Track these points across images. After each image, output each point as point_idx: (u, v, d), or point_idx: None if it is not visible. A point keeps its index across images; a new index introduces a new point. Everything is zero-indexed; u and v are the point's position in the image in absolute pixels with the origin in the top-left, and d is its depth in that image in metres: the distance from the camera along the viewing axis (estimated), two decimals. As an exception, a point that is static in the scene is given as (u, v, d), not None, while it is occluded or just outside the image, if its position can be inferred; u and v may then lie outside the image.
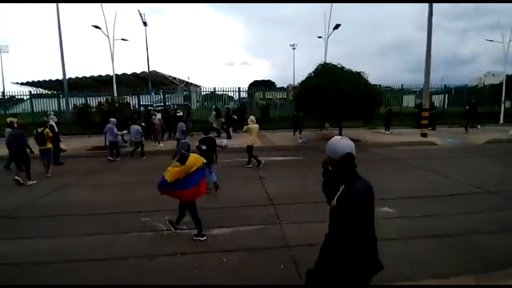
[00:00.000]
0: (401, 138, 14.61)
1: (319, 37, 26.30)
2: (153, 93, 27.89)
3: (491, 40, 23.14)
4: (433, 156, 10.85)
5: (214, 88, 24.24)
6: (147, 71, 35.23)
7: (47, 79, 41.47)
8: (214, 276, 3.59)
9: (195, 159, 4.46)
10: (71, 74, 39.55)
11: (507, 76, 22.49)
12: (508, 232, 4.58)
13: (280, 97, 31.90)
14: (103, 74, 36.62)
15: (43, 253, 4.24)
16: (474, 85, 33.52)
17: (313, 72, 13.67)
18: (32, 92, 28.62)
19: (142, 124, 13.34)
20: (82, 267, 3.86)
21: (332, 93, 11.89)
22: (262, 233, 4.73)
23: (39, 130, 8.76)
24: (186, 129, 13.31)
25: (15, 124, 9.59)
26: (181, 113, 14.55)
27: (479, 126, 17.64)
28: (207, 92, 26.43)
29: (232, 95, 26.26)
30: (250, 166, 9.23)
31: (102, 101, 14.13)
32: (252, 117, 9.53)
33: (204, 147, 6.80)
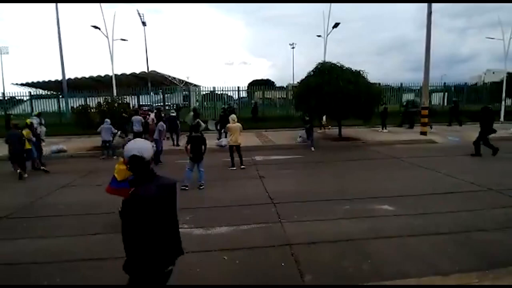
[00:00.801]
0: (401, 136, 14.61)
1: (318, 36, 26.28)
2: (152, 93, 27.85)
3: (492, 38, 23.09)
4: (433, 154, 10.85)
5: (214, 88, 24.24)
6: (146, 71, 35.24)
7: (46, 79, 41.46)
8: (214, 275, 3.59)
9: None
10: (70, 74, 39.47)
11: (508, 73, 22.45)
12: (509, 229, 4.57)
13: (280, 96, 31.87)
14: (102, 75, 36.59)
15: (44, 253, 4.24)
16: (474, 83, 33.45)
17: (312, 71, 13.65)
18: (32, 93, 28.59)
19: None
20: (83, 267, 3.86)
21: (331, 92, 11.89)
22: (263, 232, 4.73)
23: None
24: (176, 129, 13.32)
25: (35, 125, 9.93)
26: (174, 114, 14.41)
27: (462, 125, 18.05)
28: (206, 92, 26.41)
29: (231, 94, 26.25)
30: (235, 168, 9.04)
31: (101, 101, 14.13)
32: (233, 116, 9.34)
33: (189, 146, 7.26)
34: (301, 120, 12.30)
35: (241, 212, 5.54)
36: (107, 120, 11.39)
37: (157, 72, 38.88)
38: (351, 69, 13.33)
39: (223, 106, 19.65)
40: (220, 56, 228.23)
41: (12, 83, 45.38)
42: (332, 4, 24.06)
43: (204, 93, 27.41)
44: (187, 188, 6.93)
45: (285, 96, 27.52)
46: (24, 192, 7.28)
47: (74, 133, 15.82)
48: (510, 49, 21.81)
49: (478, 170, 8.25)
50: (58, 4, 17.12)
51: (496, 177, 7.32)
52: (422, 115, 14.82)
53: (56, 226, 5.18)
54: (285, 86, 31.15)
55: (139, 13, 33.25)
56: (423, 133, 14.54)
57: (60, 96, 24.12)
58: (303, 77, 14.03)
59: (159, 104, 23.80)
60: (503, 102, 21.86)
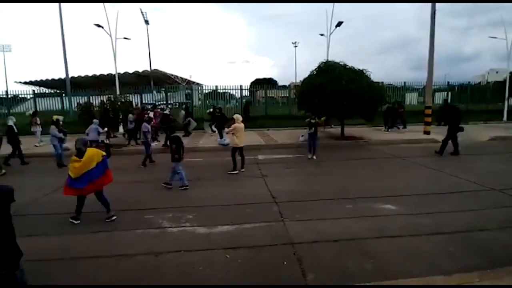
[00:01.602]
0: (404, 136, 14.58)
1: (321, 35, 26.18)
2: (155, 92, 27.90)
3: (495, 37, 22.95)
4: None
5: (216, 87, 24.24)
6: (149, 69, 35.28)
7: (50, 78, 41.59)
8: (217, 273, 3.61)
9: (92, 153, 4.93)
10: (73, 73, 39.52)
11: (511, 73, 22.31)
12: (511, 229, 4.57)
13: (282, 95, 31.86)
14: (105, 73, 36.67)
15: (48, 251, 4.28)
16: (478, 82, 33.29)
17: (315, 70, 13.65)
18: (35, 91, 28.70)
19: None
20: (87, 264, 3.90)
21: (334, 91, 11.87)
22: (265, 231, 4.74)
23: None
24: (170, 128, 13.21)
25: (61, 122, 10.11)
26: (167, 112, 14.26)
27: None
28: (209, 91, 26.42)
29: (234, 93, 26.25)
30: (237, 172, 8.42)
31: (104, 99, 14.17)
32: (238, 116, 8.72)
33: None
34: (307, 125, 10.13)
35: (243, 211, 5.56)
36: (95, 120, 11.34)
37: (160, 71, 38.90)
38: (354, 68, 13.30)
39: (211, 107, 18.46)
40: (223, 55, 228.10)
41: (15, 81, 45.52)
42: (335, 3, 23.94)
43: (206, 91, 27.39)
44: (187, 187, 6.97)
45: (287, 95, 27.49)
46: (29, 190, 7.32)
47: (77, 131, 15.86)
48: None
49: (481, 170, 8.23)
50: (61, 3, 17.10)
51: (498, 177, 7.30)
52: (426, 114, 14.77)
53: (61, 224, 5.22)
54: (287, 85, 31.11)
55: (142, 12, 33.32)
56: (426, 132, 14.49)
57: (63, 95, 24.20)
58: (306, 76, 14.02)
59: (162, 102, 23.77)
60: (506, 102, 21.72)
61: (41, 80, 42.51)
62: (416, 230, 4.58)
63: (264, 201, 6.03)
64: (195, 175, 8.32)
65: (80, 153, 4.91)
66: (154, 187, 7.13)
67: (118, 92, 19.78)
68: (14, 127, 10.34)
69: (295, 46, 59.75)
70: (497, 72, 52.57)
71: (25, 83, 42.42)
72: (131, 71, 38.26)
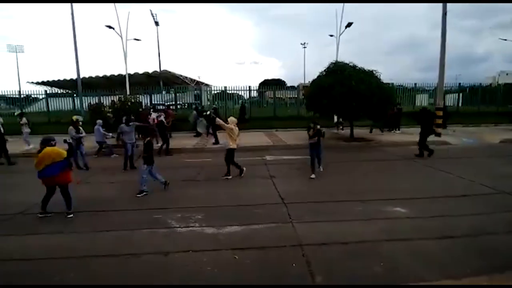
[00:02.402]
0: (414, 137, 14.33)
1: (331, 36, 26.04)
2: (164, 92, 28.11)
3: (505, 39, 22.55)
4: (447, 155, 10.65)
5: (225, 87, 24.30)
6: (158, 70, 35.57)
7: (61, 78, 42.25)
8: (226, 274, 3.61)
9: (49, 151, 5.36)
10: (84, 73, 40.16)
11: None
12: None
13: (291, 96, 31.78)
14: (116, 74, 37.10)
15: (57, 249, 4.34)
16: (489, 84, 32.69)
17: (324, 70, 13.56)
18: (47, 91, 29.18)
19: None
20: (95, 263, 3.94)
21: (344, 92, 11.78)
22: (274, 232, 4.73)
23: None
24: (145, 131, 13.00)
25: (80, 123, 9.92)
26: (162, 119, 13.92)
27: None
28: (218, 91, 26.51)
29: (242, 94, 26.28)
30: (230, 177, 7.94)
31: (115, 99, 14.34)
32: (233, 119, 8.20)
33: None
34: (309, 133, 8.44)
35: (252, 212, 5.56)
36: (99, 121, 11.49)
37: (169, 72, 39.22)
38: (363, 68, 13.18)
39: (211, 108, 16.97)
40: (232, 56, 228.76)
41: (28, 82, 46.37)
42: (343, 4, 23.77)
43: (215, 92, 27.48)
44: (143, 194, 6.62)
45: (296, 96, 27.41)
46: (38, 189, 7.43)
47: (88, 131, 16.07)
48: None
49: (491, 173, 8.06)
50: (73, 4, 17.34)
51: (509, 180, 7.15)
52: (437, 116, 14.57)
53: (69, 223, 5.30)
54: (296, 86, 31.01)
55: (152, 14, 33.61)
56: (437, 134, 14.29)
57: (75, 95, 24.54)
58: (315, 77, 13.94)
59: (170, 103, 23.92)
60: None
61: (53, 80, 43.23)
62: (426, 233, 4.51)
63: (273, 202, 6.02)
64: (204, 175, 8.37)
65: (39, 150, 5.46)
66: (162, 187, 7.18)
67: (128, 93, 20.00)
68: (1, 127, 10.48)
69: (304, 47, 59.67)
70: (507, 74, 51.67)
71: (38, 83, 43.17)
72: (141, 71, 38.71)
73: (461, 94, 26.31)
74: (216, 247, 4.26)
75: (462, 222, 4.93)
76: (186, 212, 5.57)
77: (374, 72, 13.15)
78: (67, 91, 35.94)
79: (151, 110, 15.09)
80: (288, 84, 56.77)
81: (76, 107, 23.33)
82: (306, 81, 34.10)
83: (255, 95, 28.10)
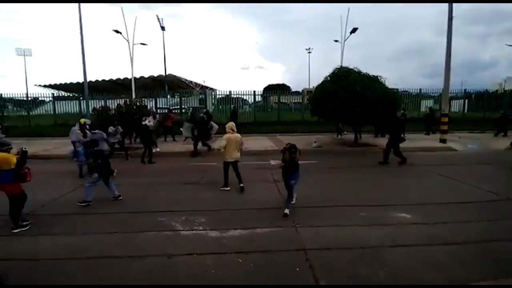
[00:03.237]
0: (419, 143, 14.30)
1: (336, 41, 26.18)
2: (169, 96, 28.32)
3: (511, 45, 22.46)
4: (452, 162, 10.59)
5: (230, 92, 24.42)
6: (164, 74, 35.90)
7: (68, 81, 42.76)
8: (229, 277, 3.62)
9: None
10: (91, 77, 40.63)
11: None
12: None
13: (295, 101, 31.87)
14: (122, 77, 37.48)
15: (64, 250, 4.38)
16: (495, 90, 32.53)
17: (329, 76, 13.56)
18: (54, 95, 29.55)
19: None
20: (101, 264, 3.97)
21: (348, 98, 11.76)
22: (278, 236, 4.73)
23: None
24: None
25: (87, 126, 9.16)
26: (152, 121, 12.87)
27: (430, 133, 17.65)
28: (222, 96, 26.65)
29: (247, 98, 26.40)
30: (228, 188, 7.36)
31: (121, 103, 14.46)
32: (231, 124, 7.48)
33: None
34: (283, 157, 6.30)
35: (255, 216, 5.56)
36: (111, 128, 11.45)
37: (174, 76, 39.54)
38: (368, 74, 13.17)
39: (203, 111, 16.89)
40: (236, 61, 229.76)
41: (35, 85, 47.00)
42: (350, 8, 23.91)
43: (220, 96, 27.63)
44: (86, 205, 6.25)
45: (300, 101, 27.47)
46: (46, 190, 7.51)
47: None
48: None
49: (496, 179, 8.00)
50: (81, 7, 17.57)
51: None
52: (442, 122, 14.52)
53: (76, 224, 5.34)
54: (300, 91, 31.09)
55: (158, 18, 34.03)
56: (442, 140, 14.23)
57: (81, 98, 24.81)
58: (319, 82, 13.97)
59: (174, 107, 24.06)
60: None
61: (60, 83, 43.80)
62: (431, 239, 4.49)
63: (276, 206, 6.01)
64: (208, 178, 8.40)
65: None
66: (167, 190, 7.22)
67: (133, 96, 20.16)
68: None
69: (309, 52, 59.80)
70: (513, 80, 51.32)
71: (45, 86, 43.74)
72: (146, 75, 39.06)
73: (466, 100, 26.21)
74: (220, 250, 4.27)
75: (468, 228, 4.90)
76: (190, 215, 5.59)
77: (379, 77, 13.14)
78: (74, 94, 36.33)
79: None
80: (293, 89, 56.90)
81: (83, 110, 23.57)
82: (311, 86, 34.20)
83: (259, 99, 28.21)
